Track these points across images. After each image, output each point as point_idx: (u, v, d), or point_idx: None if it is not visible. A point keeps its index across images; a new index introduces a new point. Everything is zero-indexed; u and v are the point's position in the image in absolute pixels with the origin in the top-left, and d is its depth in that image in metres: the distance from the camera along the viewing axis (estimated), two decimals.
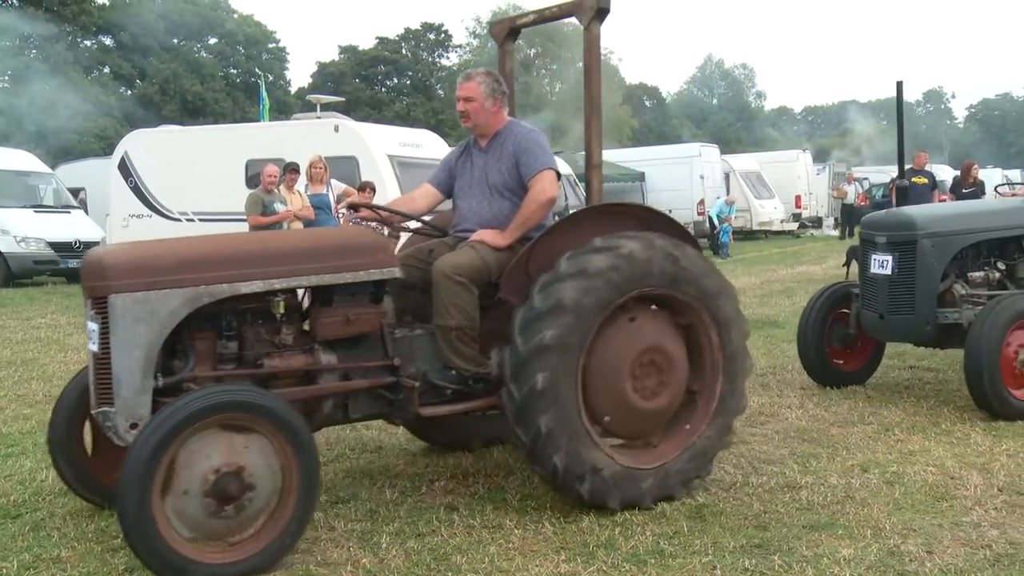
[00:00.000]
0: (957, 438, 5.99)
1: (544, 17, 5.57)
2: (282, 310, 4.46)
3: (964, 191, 15.92)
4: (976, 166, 16.70)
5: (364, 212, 5.28)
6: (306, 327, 4.67)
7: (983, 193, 16.09)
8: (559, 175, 5.08)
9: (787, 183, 33.43)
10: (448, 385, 4.78)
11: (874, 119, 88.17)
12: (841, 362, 7.75)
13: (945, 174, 29.68)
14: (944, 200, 17.85)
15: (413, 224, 5.43)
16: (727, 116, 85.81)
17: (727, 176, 31.12)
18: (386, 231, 5.24)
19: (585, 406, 4.61)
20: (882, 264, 6.97)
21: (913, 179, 16.28)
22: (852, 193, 30.24)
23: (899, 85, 7.89)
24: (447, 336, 4.72)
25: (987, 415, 6.48)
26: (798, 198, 33.79)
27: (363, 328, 4.62)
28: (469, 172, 5.22)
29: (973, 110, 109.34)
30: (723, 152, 33.40)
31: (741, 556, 4.12)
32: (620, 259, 4.59)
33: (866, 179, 38.02)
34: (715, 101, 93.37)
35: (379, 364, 4.67)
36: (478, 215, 5.10)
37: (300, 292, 4.64)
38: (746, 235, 30.79)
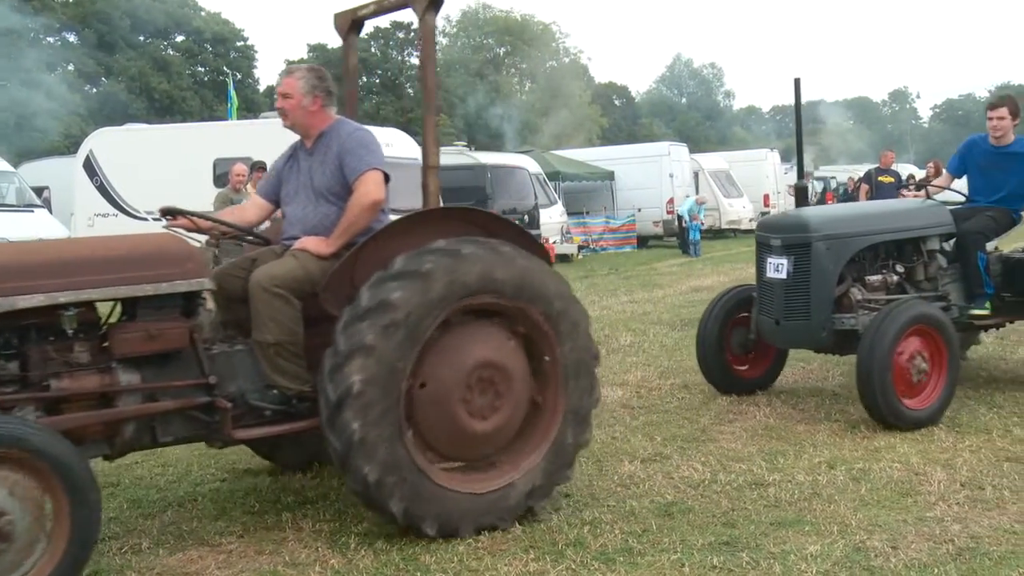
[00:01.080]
0: (921, 435, 6.05)
1: (383, 8, 5.26)
2: (74, 325, 4.06)
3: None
4: (943, 165, 16.88)
5: (181, 220, 4.78)
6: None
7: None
8: (387, 177, 4.74)
9: (755, 182, 33.64)
10: (267, 405, 4.42)
11: (842, 118, 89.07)
12: (743, 368, 7.44)
13: (915, 172, 29.96)
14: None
15: (226, 231, 5.01)
16: (696, 115, 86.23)
17: (696, 175, 31.26)
18: (204, 240, 4.91)
19: (410, 419, 4.30)
20: (777, 268, 6.69)
21: (880, 178, 16.47)
22: (810, 191, 30.32)
23: (797, 83, 7.76)
24: (266, 352, 4.37)
25: (948, 412, 6.56)
26: (766, 197, 34.02)
27: (169, 344, 4.20)
28: (296, 176, 4.87)
29: (937, 110, 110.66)
30: (692, 151, 33.53)
31: (709, 553, 4.14)
32: (458, 263, 4.29)
33: (833, 178, 38.39)
34: (684, 100, 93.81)
35: (192, 383, 4.27)
36: (303, 222, 4.75)
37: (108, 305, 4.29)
38: (715, 234, 30.95)
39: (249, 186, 11.94)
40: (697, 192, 29.39)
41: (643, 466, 5.47)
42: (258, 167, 12.47)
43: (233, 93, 24.93)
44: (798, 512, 4.67)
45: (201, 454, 5.97)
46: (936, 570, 3.91)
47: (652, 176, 28.37)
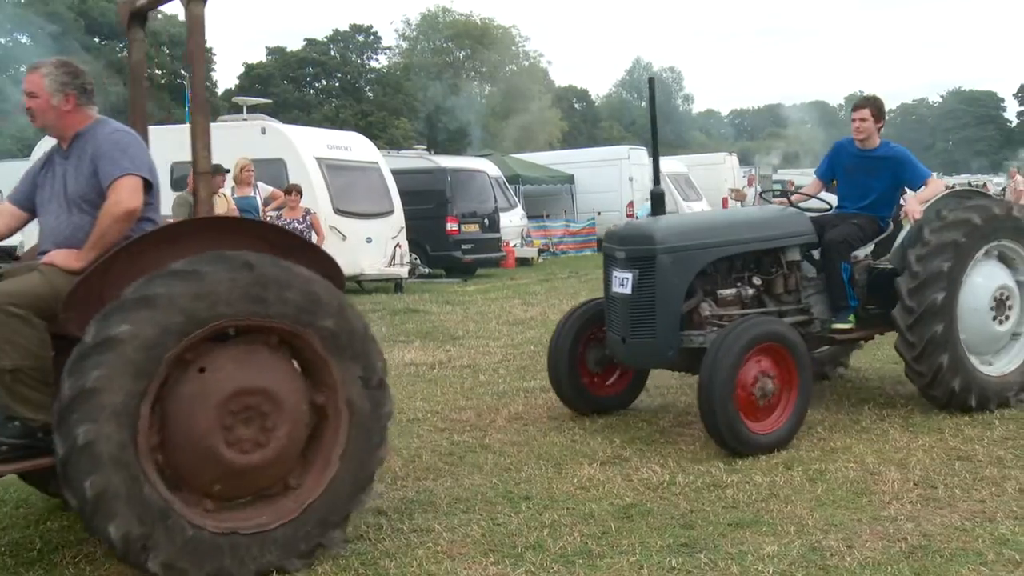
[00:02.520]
0: (877, 435, 6.13)
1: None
2: None
3: None
4: None
5: None
6: None
7: (903, 193, 16.51)
8: (149, 184, 4.28)
9: (714, 185, 33.84)
10: (7, 440, 3.94)
11: (800, 121, 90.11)
12: (602, 385, 6.96)
13: None
14: None
15: None
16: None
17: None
18: None
19: (160, 461, 3.86)
20: (622, 282, 6.20)
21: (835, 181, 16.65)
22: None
23: (651, 81, 7.39)
24: (3, 380, 3.87)
25: (902, 413, 6.66)
26: (725, 200, 34.24)
27: None
28: (50, 183, 4.39)
29: (892, 114, 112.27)
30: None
31: (668, 555, 4.17)
32: (196, 285, 3.80)
33: (791, 181, 38.79)
34: (644, 104, 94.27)
35: None
36: (56, 233, 4.27)
37: None
38: None
39: None
40: None
41: (602, 468, 5.49)
42: (218, 171, 12.34)
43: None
44: (755, 513, 4.71)
45: None
46: (889, 568, 3.97)
47: (612, 179, 28.48)
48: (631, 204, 28.06)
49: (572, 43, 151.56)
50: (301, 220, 11.84)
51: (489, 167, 23.50)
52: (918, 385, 6.62)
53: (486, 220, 21.10)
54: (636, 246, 6.24)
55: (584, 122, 76.01)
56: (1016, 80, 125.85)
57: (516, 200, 24.86)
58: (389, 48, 67.66)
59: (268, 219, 12.35)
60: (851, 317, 6.69)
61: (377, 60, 66.02)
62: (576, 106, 79.00)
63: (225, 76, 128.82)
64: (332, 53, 63.03)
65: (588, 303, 6.99)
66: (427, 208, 19.56)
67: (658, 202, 7.25)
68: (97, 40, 51.81)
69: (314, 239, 12.02)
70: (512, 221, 23.10)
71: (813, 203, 7.25)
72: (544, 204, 28.16)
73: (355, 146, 17.78)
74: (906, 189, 7.13)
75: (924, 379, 6.48)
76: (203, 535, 3.83)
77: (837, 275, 6.62)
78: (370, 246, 16.48)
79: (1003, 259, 6.88)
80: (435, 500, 5.01)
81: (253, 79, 58.68)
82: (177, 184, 15.35)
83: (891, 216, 7.05)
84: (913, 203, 6.77)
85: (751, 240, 6.50)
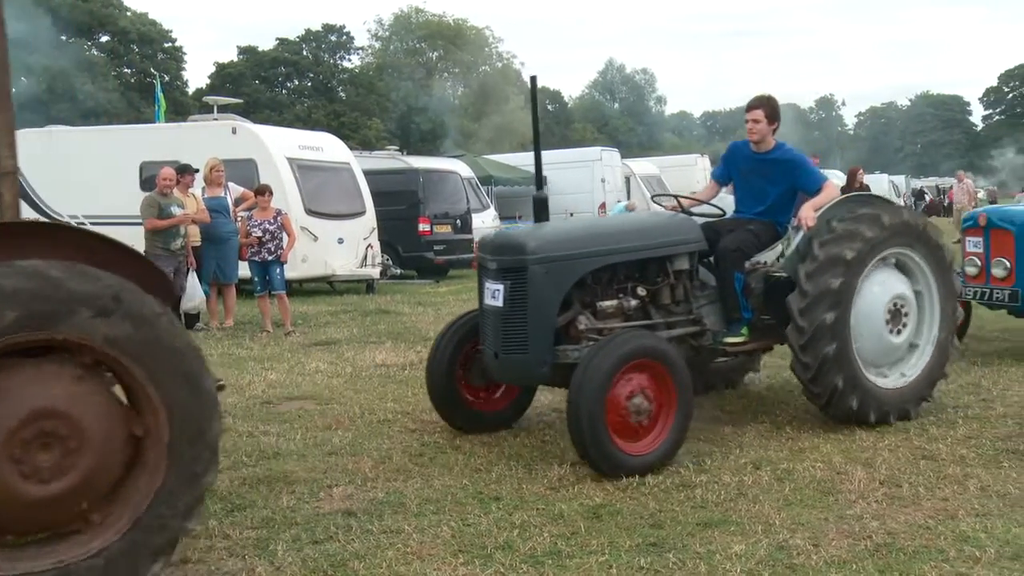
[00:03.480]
0: (844, 435, 6.19)
1: None
2: None
3: None
4: (862, 171, 17.31)
5: None
6: None
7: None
8: None
9: (686, 187, 33.87)
10: None
11: None
12: (484, 401, 6.56)
13: (838, 179, 30.60)
14: None
15: None
16: (628, 120, 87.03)
17: (627, 180, 31.52)
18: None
19: None
20: (494, 294, 5.83)
21: None
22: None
23: (533, 80, 6.96)
24: None
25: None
26: (603, 205, 34.41)
27: None
28: None
29: (862, 117, 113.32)
30: (623, 156, 33.81)
31: (637, 555, 4.20)
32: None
33: None
34: (616, 105, 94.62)
35: None
36: None
37: None
38: None
39: (177, 190, 11.76)
40: (628, 197, 29.63)
41: (572, 469, 5.51)
42: (187, 171, 12.28)
43: (161, 95, 24.45)
44: (724, 512, 4.75)
45: None
46: (855, 566, 4.02)
47: (584, 181, 28.51)
48: (603, 205, 28.12)
49: (545, 44, 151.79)
50: (272, 221, 11.76)
51: (461, 168, 23.49)
52: (816, 404, 6.41)
53: (458, 221, 21.08)
54: (507, 256, 5.83)
55: (557, 123, 76.10)
56: (982, 84, 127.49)
57: (488, 201, 24.86)
58: (362, 48, 67.52)
59: (239, 220, 12.30)
60: (744, 329, 6.38)
61: (350, 60, 65.87)
62: (549, 107, 79.08)
63: (196, 75, 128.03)
64: (304, 53, 62.78)
65: (467, 315, 6.53)
66: (399, 209, 19.53)
67: (541, 209, 6.65)
68: (64, 38, 51.25)
69: (285, 240, 11.95)
70: (484, 222, 23.08)
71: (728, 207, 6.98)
72: (516, 205, 28.15)
73: (327, 146, 17.71)
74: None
75: (821, 400, 6.27)
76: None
77: (730, 285, 6.30)
78: (342, 247, 16.44)
79: (899, 266, 6.65)
80: (405, 501, 5.01)
81: (224, 78, 58.31)
82: (146, 184, 15.24)
83: (788, 221, 6.73)
84: (807, 210, 6.37)
85: (634, 248, 6.12)
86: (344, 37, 65.15)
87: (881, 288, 6.45)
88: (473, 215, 22.06)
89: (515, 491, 5.16)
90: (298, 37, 63.24)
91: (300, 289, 16.97)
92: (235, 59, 61.72)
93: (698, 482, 5.23)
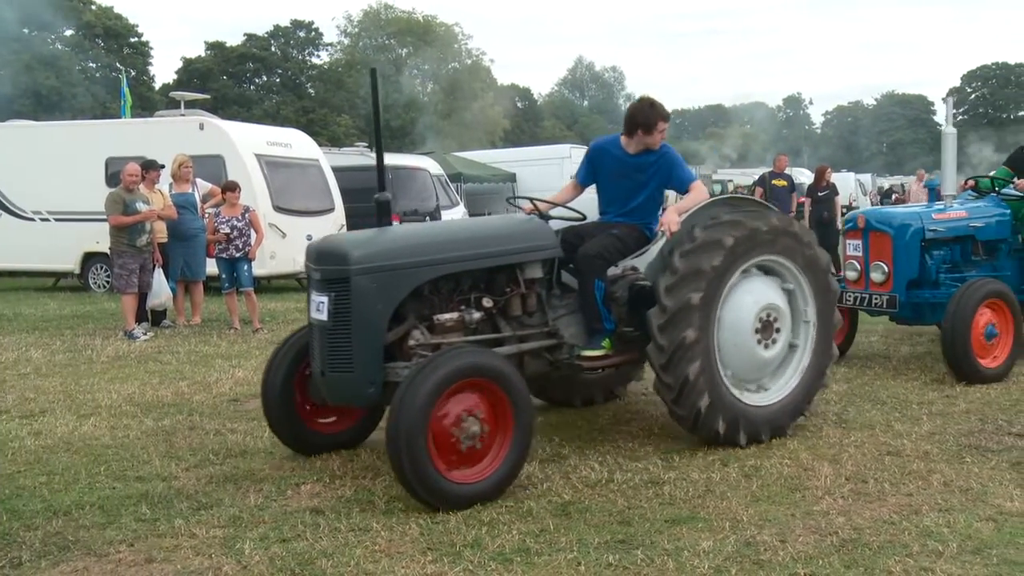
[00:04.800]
0: (811, 431, 6.24)
1: None
2: None
3: (819, 194, 16.62)
4: (829, 170, 17.44)
5: None
6: None
7: (836, 194, 16.82)
8: None
9: None
10: None
11: (737, 123, 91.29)
12: (327, 421, 5.97)
13: (805, 177, 30.83)
14: (802, 203, 18.62)
15: None
16: (597, 118, 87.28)
17: None
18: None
19: None
20: (318, 307, 5.31)
21: (773, 181, 16.93)
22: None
23: (372, 72, 6.17)
24: None
25: (835, 410, 6.80)
26: (667, 197, 34.66)
27: None
28: None
29: (829, 116, 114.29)
30: None
31: (605, 552, 4.21)
32: None
33: (731, 180, 39.29)
34: (586, 103, 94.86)
35: None
36: None
37: None
38: None
39: (143, 186, 11.64)
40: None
41: (541, 466, 5.52)
42: (152, 167, 12.15)
43: (127, 90, 24.25)
44: (692, 509, 4.77)
45: (90, 460, 5.80)
46: (821, 561, 4.05)
47: (553, 178, 28.48)
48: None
49: (515, 42, 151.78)
50: (240, 217, 11.67)
51: (431, 165, 23.43)
52: (683, 427, 5.94)
53: (428, 218, 21.01)
54: (329, 266, 5.30)
55: (526, 121, 76.15)
56: (946, 84, 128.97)
57: (458, 198, 24.82)
58: (331, 44, 67.19)
59: (207, 216, 12.19)
60: (606, 342, 5.84)
61: (318, 56, 65.55)
62: (519, 104, 79.12)
63: (163, 70, 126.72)
64: (273, 49, 62.40)
65: (304, 329, 5.89)
66: (368, 206, 19.41)
67: (383, 212, 5.96)
68: (27, 31, 50.59)
69: (253, 237, 11.87)
70: (454, 219, 23.07)
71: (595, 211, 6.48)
72: (486, 202, 28.13)
73: (295, 143, 17.62)
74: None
75: (687, 422, 5.81)
76: None
77: (590, 294, 5.80)
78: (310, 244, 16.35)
79: (771, 273, 6.16)
80: (373, 499, 4.99)
81: (191, 74, 57.85)
82: (112, 180, 15.10)
83: (656, 224, 6.25)
84: (671, 214, 5.90)
85: (476, 256, 5.59)
86: (313, 33, 64.87)
87: (751, 298, 5.95)
88: (443, 212, 22.02)
89: None
90: (266, 33, 62.93)
91: (268, 286, 16.86)
92: (203, 54, 61.24)
93: (666, 479, 5.25)
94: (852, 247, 8.62)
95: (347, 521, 4.63)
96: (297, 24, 64.17)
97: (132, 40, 56.97)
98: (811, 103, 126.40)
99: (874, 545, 4.22)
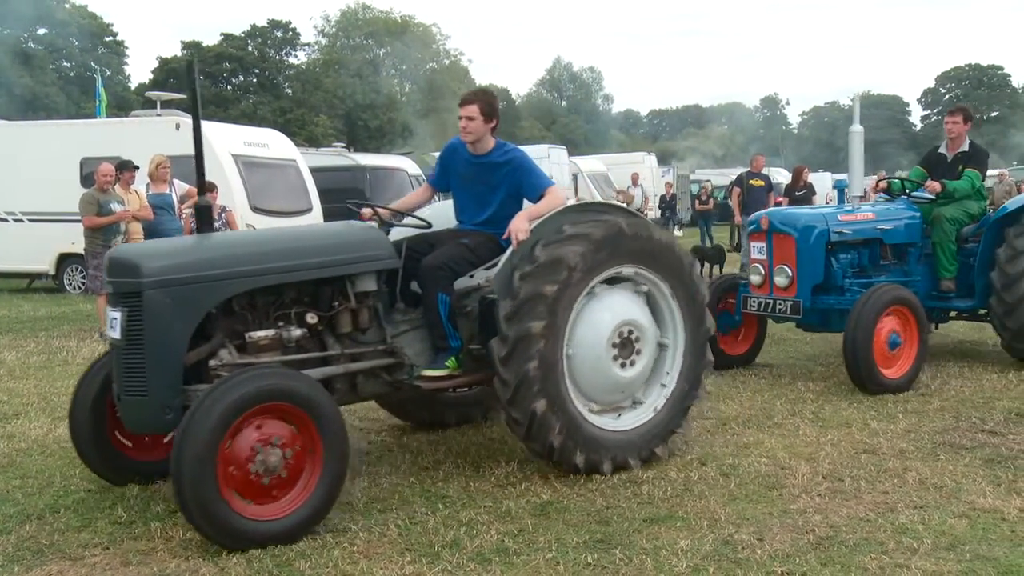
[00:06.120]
0: (788, 430, 6.28)
1: None
2: None
3: (796, 194, 16.72)
4: (807, 170, 17.55)
5: None
6: None
7: (814, 194, 16.92)
8: None
9: (641, 184, 34.29)
10: None
11: (715, 123, 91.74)
12: (135, 448, 5.38)
13: (782, 177, 30.98)
14: (780, 203, 18.73)
15: None
16: (575, 118, 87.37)
17: (575, 177, 31.67)
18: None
19: None
20: (112, 324, 4.76)
21: (751, 181, 17.01)
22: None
23: (189, 65, 5.89)
24: None
25: (812, 408, 6.85)
26: (646, 199, 34.73)
27: None
28: None
29: (805, 116, 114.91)
30: (571, 154, 33.99)
31: (584, 551, 4.22)
32: None
33: (708, 181, 39.43)
34: (564, 103, 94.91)
35: None
36: None
37: None
38: None
39: (118, 187, 11.55)
40: (576, 195, 29.75)
41: (520, 467, 5.52)
42: (127, 167, 12.06)
43: (102, 90, 24.07)
44: (670, 508, 4.79)
45: (64, 463, 5.75)
46: (798, 559, 4.08)
47: None
48: None
49: (493, 42, 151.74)
50: (217, 218, 11.62)
51: (409, 165, 23.39)
52: (540, 461, 5.43)
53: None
54: (121, 278, 4.73)
55: (504, 121, 76.11)
56: (920, 85, 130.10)
57: (436, 199, 24.81)
58: (308, 44, 66.95)
59: (184, 216, 12.11)
60: (451, 361, 5.29)
61: (296, 56, 65.30)
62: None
63: (138, 70, 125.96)
64: (250, 48, 62.05)
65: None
66: (346, 206, 19.39)
67: (203, 219, 5.48)
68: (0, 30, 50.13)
69: None
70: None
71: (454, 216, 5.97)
72: None
73: (272, 143, 17.56)
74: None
75: (543, 457, 5.30)
76: None
77: (433, 309, 5.28)
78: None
79: (629, 282, 5.62)
80: (352, 500, 4.97)
81: (168, 73, 57.36)
82: (87, 180, 14.99)
83: None
84: (519, 221, 5.33)
85: (295, 268, 5.02)
86: (290, 33, 64.54)
87: (608, 315, 5.42)
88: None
89: (462, 489, 5.15)
90: (243, 32, 62.50)
91: None
92: (179, 54, 60.84)
93: (645, 478, 5.27)
94: (756, 250, 8.23)
95: (325, 522, 4.61)
96: (274, 24, 63.82)
97: (107, 39, 56.57)
98: (788, 103, 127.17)
99: (850, 542, 4.26)
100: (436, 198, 6.79)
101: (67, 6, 54.47)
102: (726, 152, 72.83)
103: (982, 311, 8.48)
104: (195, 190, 12.39)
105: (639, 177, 29.74)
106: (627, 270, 5.53)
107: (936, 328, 9.20)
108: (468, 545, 4.30)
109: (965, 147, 8.71)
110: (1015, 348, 8.21)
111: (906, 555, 4.11)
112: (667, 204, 28.17)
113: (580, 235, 5.29)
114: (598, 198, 32.10)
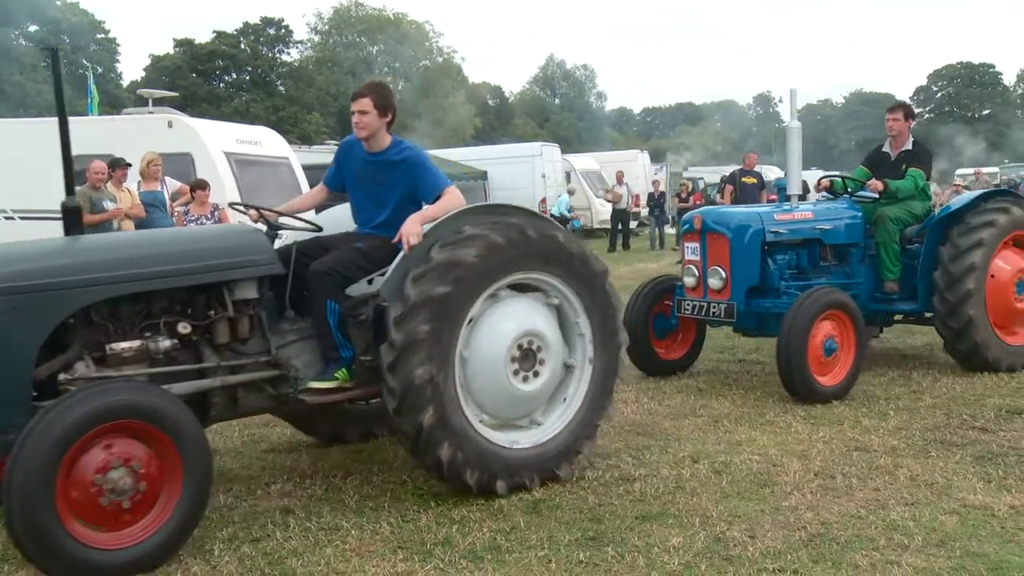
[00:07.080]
0: (780, 428, 6.30)
1: None
2: None
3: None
4: (755, 156, 17.75)
5: None
6: None
7: (807, 192, 16.94)
8: None
9: (626, 181, 34.32)
10: None
11: (708, 121, 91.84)
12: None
13: (775, 175, 31.03)
14: (773, 200, 18.75)
15: None
16: (568, 116, 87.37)
17: (568, 175, 31.70)
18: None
19: None
20: None
21: (743, 179, 17.03)
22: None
23: (54, 53, 5.64)
24: None
25: (805, 405, 6.87)
26: (636, 197, 34.76)
27: None
28: None
29: (800, 114, 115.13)
30: (564, 151, 34.00)
31: (576, 549, 4.22)
32: None
33: (701, 178, 39.48)
34: (557, 101, 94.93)
35: None
36: None
37: None
38: (587, 233, 31.45)
39: (110, 184, 11.53)
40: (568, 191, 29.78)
41: None
42: (119, 164, 12.04)
43: (94, 87, 23.96)
44: (662, 505, 4.80)
45: None
46: (789, 556, 4.09)
47: (525, 176, 28.61)
48: (544, 201, 28.24)
49: (486, 40, 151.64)
50: (209, 216, 11.59)
51: None
52: (432, 478, 5.08)
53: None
54: None
55: (498, 119, 76.11)
56: (912, 83, 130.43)
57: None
58: (300, 42, 66.87)
59: (176, 214, 12.10)
60: (341, 372, 4.94)
61: (288, 54, 65.21)
62: (489, 102, 79.07)
63: (130, 67, 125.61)
64: (242, 46, 61.94)
65: None
66: (335, 204, 19.37)
67: (71, 221, 5.09)
68: None
69: None
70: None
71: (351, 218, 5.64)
72: None
73: (265, 141, 17.50)
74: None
75: (433, 473, 4.94)
76: None
77: (321, 317, 4.94)
78: (279, 243, 16.26)
79: (533, 290, 5.31)
80: (344, 498, 4.98)
81: (160, 71, 57.30)
82: (79, 177, 14.93)
83: None
84: (411, 224, 4.97)
85: (161, 275, 4.65)
86: (283, 30, 64.46)
87: (509, 324, 5.10)
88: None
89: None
90: (236, 30, 62.39)
91: None
92: (171, 51, 60.71)
93: (637, 476, 5.28)
94: (690, 251, 7.85)
95: (317, 520, 4.62)
96: (267, 21, 63.74)
97: (99, 37, 56.42)
98: (780, 101, 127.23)
99: (842, 539, 4.27)
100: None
101: (59, 3, 54.32)
102: (719, 151, 72.90)
103: (928, 314, 8.10)
104: (187, 187, 12.51)
105: (624, 175, 29.62)
106: (533, 277, 5.20)
107: (881, 332, 8.97)
108: (460, 543, 4.31)
109: (908, 145, 8.40)
110: (958, 350, 7.88)
111: (897, 552, 4.12)
112: (655, 202, 28.13)
113: (480, 236, 4.94)
114: (591, 195, 32.23)
